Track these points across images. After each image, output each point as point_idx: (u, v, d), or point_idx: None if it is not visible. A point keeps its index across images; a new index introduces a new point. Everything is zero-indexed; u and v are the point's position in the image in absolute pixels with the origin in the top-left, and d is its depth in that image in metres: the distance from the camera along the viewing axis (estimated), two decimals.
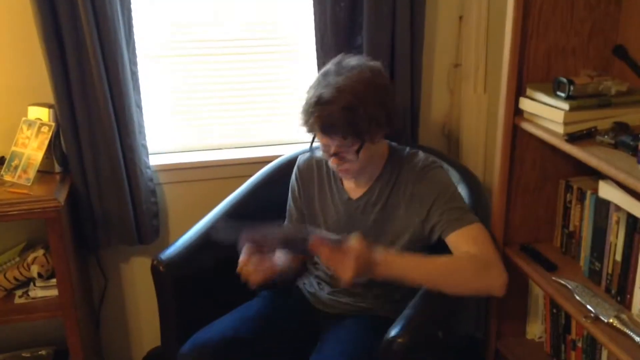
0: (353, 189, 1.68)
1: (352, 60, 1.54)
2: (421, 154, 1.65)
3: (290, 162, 1.96)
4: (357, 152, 1.52)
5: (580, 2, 1.59)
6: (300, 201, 1.77)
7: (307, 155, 1.78)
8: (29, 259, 1.90)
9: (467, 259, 1.49)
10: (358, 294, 1.66)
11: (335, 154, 1.55)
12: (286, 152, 2.02)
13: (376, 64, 1.57)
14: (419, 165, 1.61)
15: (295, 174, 1.79)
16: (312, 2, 1.94)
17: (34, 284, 1.90)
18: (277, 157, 2.02)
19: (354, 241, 1.40)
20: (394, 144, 1.70)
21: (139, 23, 1.93)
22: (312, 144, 1.65)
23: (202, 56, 2.12)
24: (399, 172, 1.63)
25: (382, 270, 1.42)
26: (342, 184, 1.70)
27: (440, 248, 1.57)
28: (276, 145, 2.24)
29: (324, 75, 1.52)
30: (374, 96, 1.49)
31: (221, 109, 2.19)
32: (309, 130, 1.55)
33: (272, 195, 1.91)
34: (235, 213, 1.84)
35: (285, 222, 1.81)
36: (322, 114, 1.47)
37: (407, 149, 1.68)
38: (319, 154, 1.66)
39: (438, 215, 1.55)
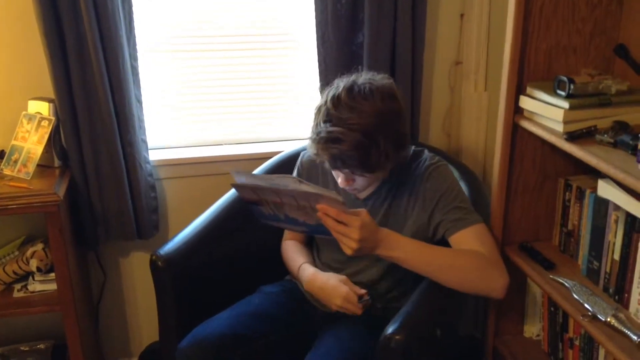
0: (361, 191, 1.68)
1: (365, 86, 1.46)
2: (426, 153, 1.66)
3: (291, 159, 1.96)
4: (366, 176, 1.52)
5: (581, 1, 1.59)
6: None
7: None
8: (28, 253, 1.90)
9: (471, 254, 1.49)
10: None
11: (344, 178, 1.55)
12: (287, 149, 2.03)
13: (388, 84, 1.51)
14: (425, 163, 1.61)
15: (298, 169, 1.78)
16: None
17: (33, 278, 1.91)
18: (277, 153, 2.02)
19: (360, 212, 1.40)
20: None
21: (139, 17, 1.93)
22: None
23: (203, 52, 2.11)
24: (405, 171, 1.63)
25: (384, 248, 1.43)
26: None
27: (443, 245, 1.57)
28: (277, 142, 2.24)
29: (335, 105, 1.45)
30: (385, 129, 1.45)
31: (222, 105, 2.19)
32: (316, 156, 1.52)
33: None
34: (234, 209, 1.84)
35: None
36: (332, 152, 1.44)
37: (412, 147, 1.68)
38: None
39: (442, 214, 1.55)
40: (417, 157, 1.64)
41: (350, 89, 1.47)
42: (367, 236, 1.39)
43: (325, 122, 1.46)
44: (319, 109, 1.51)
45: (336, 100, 1.46)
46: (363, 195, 1.66)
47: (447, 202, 1.55)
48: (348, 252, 1.40)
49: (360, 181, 1.55)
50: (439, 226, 1.56)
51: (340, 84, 1.50)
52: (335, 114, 1.45)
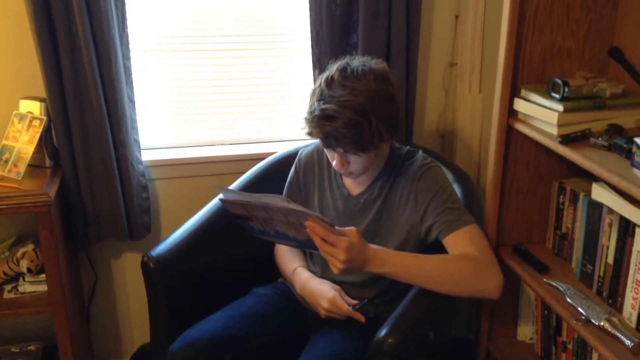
0: (353, 185, 1.68)
1: (358, 67, 1.49)
2: (420, 153, 1.66)
3: (285, 160, 1.95)
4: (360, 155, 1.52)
5: (576, 3, 1.58)
6: (299, 194, 1.77)
7: (309, 148, 1.79)
8: (19, 253, 1.89)
9: (462, 260, 1.49)
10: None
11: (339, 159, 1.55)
12: (280, 149, 2.02)
13: (381, 67, 1.53)
14: (417, 163, 1.62)
15: (296, 166, 1.79)
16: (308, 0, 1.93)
17: (23, 279, 1.90)
18: (270, 154, 2.01)
19: (349, 232, 1.39)
20: (395, 143, 1.71)
21: (132, 17, 1.91)
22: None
23: (196, 51, 2.10)
24: (399, 170, 1.63)
25: (374, 266, 1.42)
26: (342, 180, 1.70)
27: (436, 248, 1.57)
28: (270, 142, 2.23)
29: (328, 85, 1.48)
30: (378, 109, 1.46)
31: (215, 105, 2.18)
32: (311, 136, 1.53)
33: (264, 193, 1.89)
34: (227, 212, 1.82)
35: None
36: (325, 129, 1.45)
37: (407, 147, 1.69)
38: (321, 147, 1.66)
39: (435, 215, 1.55)
40: (411, 156, 1.65)
41: (343, 70, 1.49)
42: (354, 257, 1.38)
43: (319, 101, 1.48)
44: (313, 91, 1.53)
45: (330, 80, 1.48)
46: (356, 191, 1.66)
47: (439, 203, 1.55)
48: (335, 271, 1.39)
49: (355, 163, 1.54)
50: (431, 228, 1.56)
51: (334, 66, 1.52)
52: (328, 93, 1.46)
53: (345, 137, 1.45)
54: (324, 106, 1.45)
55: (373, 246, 1.44)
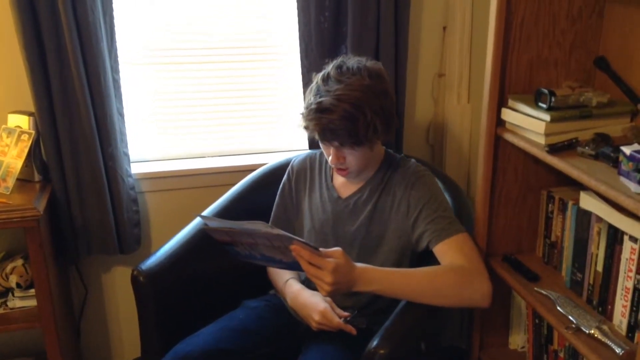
0: (343, 188, 1.70)
1: (353, 64, 1.54)
2: (413, 161, 1.69)
3: (275, 171, 1.95)
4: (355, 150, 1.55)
5: (562, 14, 1.60)
6: (291, 200, 1.78)
7: (302, 156, 1.82)
8: (8, 268, 1.87)
9: (449, 272, 1.49)
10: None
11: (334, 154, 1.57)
12: (270, 161, 2.01)
13: (376, 65, 1.58)
14: (410, 170, 1.64)
15: (289, 173, 1.81)
16: (296, 12, 1.94)
17: (13, 294, 1.88)
18: (260, 165, 2.01)
19: (334, 254, 1.39)
20: (390, 150, 1.73)
21: (121, 30, 1.92)
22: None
23: (186, 64, 2.10)
24: (391, 175, 1.65)
25: (362, 285, 1.42)
26: (332, 182, 1.72)
27: (426, 256, 1.58)
28: (259, 154, 2.23)
29: (324, 81, 1.54)
30: (372, 104, 1.50)
31: (204, 117, 2.18)
32: (307, 131, 1.57)
33: (254, 204, 1.90)
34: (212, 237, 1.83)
35: (270, 223, 1.80)
36: (321, 122, 1.49)
37: (401, 155, 1.71)
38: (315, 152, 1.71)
39: (426, 224, 1.56)
40: (405, 164, 1.67)
41: (339, 67, 1.55)
42: (341, 278, 1.38)
43: (315, 95, 1.52)
44: (310, 88, 1.57)
45: (326, 77, 1.54)
46: (345, 194, 1.68)
47: (431, 211, 1.56)
48: (323, 293, 1.39)
49: (350, 159, 1.57)
50: (422, 236, 1.57)
51: (329, 65, 1.58)
52: (324, 88, 1.52)
53: (340, 129, 1.48)
54: (320, 99, 1.50)
55: (359, 265, 1.44)
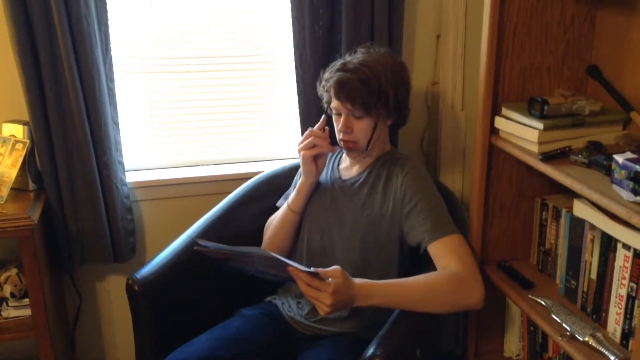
0: (346, 171, 1.76)
1: (379, 48, 1.73)
2: (415, 161, 1.73)
3: (270, 179, 1.96)
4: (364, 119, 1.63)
5: (554, 23, 1.61)
6: None
7: None
8: (2, 278, 1.87)
9: (446, 279, 1.51)
10: (337, 319, 1.65)
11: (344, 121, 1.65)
12: (265, 169, 2.02)
13: (400, 59, 1.77)
14: (411, 165, 1.69)
15: (295, 178, 1.85)
16: (291, 20, 1.95)
17: (7, 304, 1.87)
18: (255, 174, 2.01)
19: (333, 273, 1.39)
20: (394, 148, 1.81)
21: (116, 38, 1.92)
22: None
23: (181, 72, 2.11)
24: (391, 166, 1.70)
25: (361, 301, 1.43)
26: (338, 165, 1.79)
27: (419, 256, 1.60)
28: (255, 162, 2.23)
29: (351, 54, 1.71)
30: (388, 77, 1.63)
31: (199, 126, 2.18)
32: (325, 94, 1.69)
33: (250, 212, 1.90)
34: (213, 230, 1.83)
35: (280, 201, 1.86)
36: (341, 78, 1.61)
37: (404, 153, 1.78)
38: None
39: (421, 219, 1.58)
40: (404, 158, 1.72)
41: (368, 46, 1.73)
42: (340, 299, 1.37)
43: (341, 64, 1.66)
44: (332, 65, 1.69)
45: (352, 52, 1.72)
46: (346, 176, 1.74)
47: (427, 207, 1.60)
48: (322, 314, 1.39)
49: (357, 130, 1.64)
50: (414, 230, 1.59)
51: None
52: (350, 58, 1.68)
53: (356, 88, 1.59)
54: (346, 61, 1.66)
55: (358, 281, 1.43)
